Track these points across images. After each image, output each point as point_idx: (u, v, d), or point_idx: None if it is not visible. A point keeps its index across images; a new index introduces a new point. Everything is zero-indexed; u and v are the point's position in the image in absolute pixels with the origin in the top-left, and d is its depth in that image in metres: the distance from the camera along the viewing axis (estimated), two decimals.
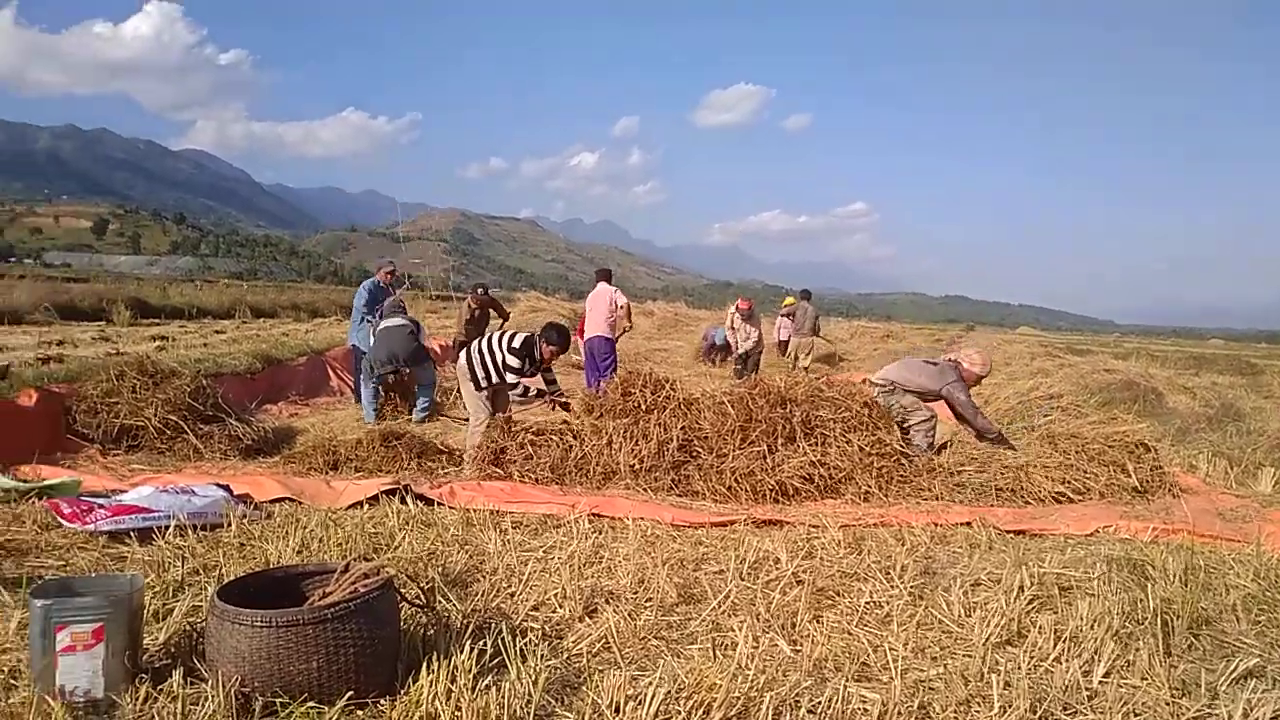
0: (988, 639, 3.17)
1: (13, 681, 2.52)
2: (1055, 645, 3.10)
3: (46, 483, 4.84)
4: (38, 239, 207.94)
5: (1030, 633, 3.23)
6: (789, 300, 15.95)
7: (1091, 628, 3.23)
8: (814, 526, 4.74)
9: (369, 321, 9.12)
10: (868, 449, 5.80)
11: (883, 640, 3.16)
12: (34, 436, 5.81)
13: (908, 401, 6.69)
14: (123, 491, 4.78)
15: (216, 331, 17.01)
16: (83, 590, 2.60)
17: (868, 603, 3.54)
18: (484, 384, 6.67)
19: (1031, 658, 3.04)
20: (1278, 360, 27.04)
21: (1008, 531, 4.92)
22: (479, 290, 11.88)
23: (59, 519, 4.16)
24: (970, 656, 3.04)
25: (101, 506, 4.23)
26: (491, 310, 11.83)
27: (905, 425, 6.53)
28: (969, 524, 5.00)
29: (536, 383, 6.86)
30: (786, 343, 15.58)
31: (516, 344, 6.61)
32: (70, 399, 6.41)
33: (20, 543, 3.92)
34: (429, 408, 8.47)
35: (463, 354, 7.04)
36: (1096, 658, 3.00)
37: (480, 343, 6.95)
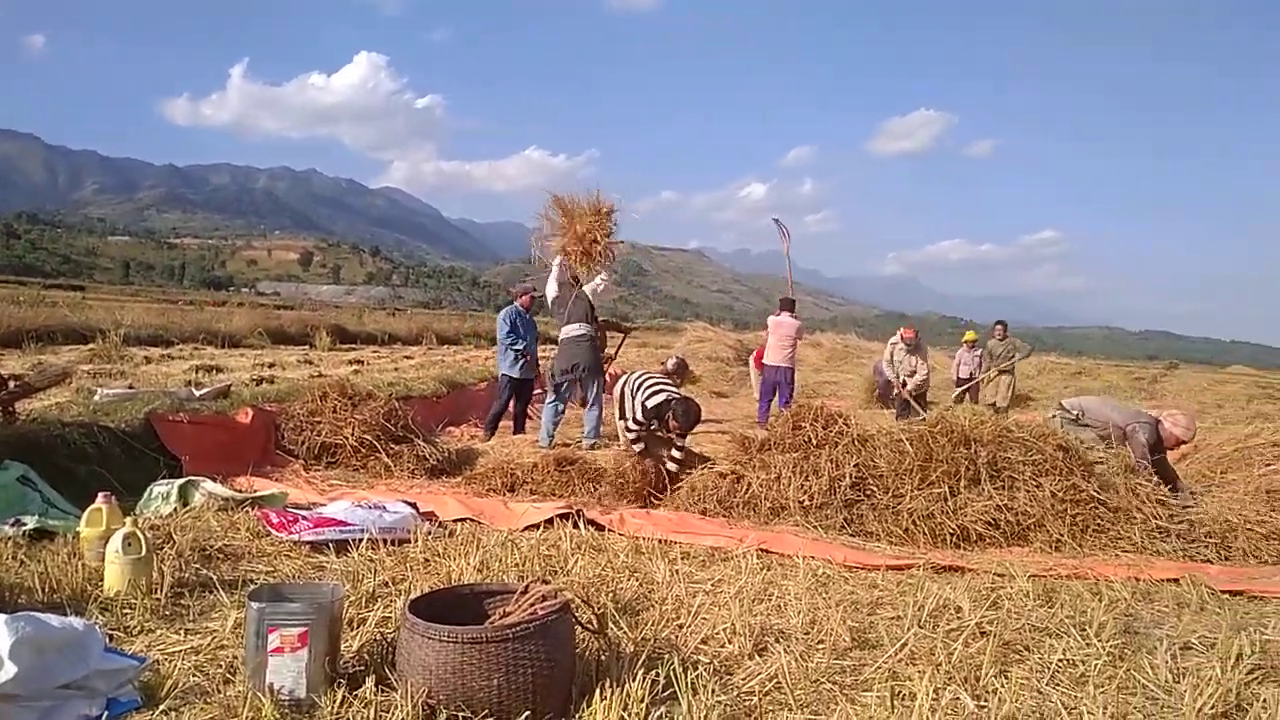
0: (1200, 709, 2.86)
1: (229, 676, 2.75)
2: None
3: (258, 494, 5.28)
4: (253, 270, 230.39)
5: (1252, 706, 2.90)
6: (970, 334, 14.88)
7: None
8: (999, 575, 4.47)
9: (515, 351, 8.81)
10: (1060, 494, 5.40)
11: (1078, 702, 2.92)
12: (249, 450, 6.37)
13: (1086, 436, 6.33)
14: (322, 505, 5.16)
15: (406, 357, 18.16)
16: (291, 596, 2.80)
17: (1061, 660, 3.29)
18: (627, 418, 6.66)
19: None
20: None
21: (1222, 592, 4.46)
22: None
23: (268, 528, 4.51)
24: None
25: (304, 518, 4.57)
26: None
27: None
28: (1177, 581, 4.57)
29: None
30: (966, 380, 14.28)
31: (651, 404, 6.42)
32: (279, 417, 6.97)
33: (236, 548, 4.29)
34: (598, 428, 8.44)
35: (620, 381, 7.11)
36: None
37: (633, 378, 6.94)
